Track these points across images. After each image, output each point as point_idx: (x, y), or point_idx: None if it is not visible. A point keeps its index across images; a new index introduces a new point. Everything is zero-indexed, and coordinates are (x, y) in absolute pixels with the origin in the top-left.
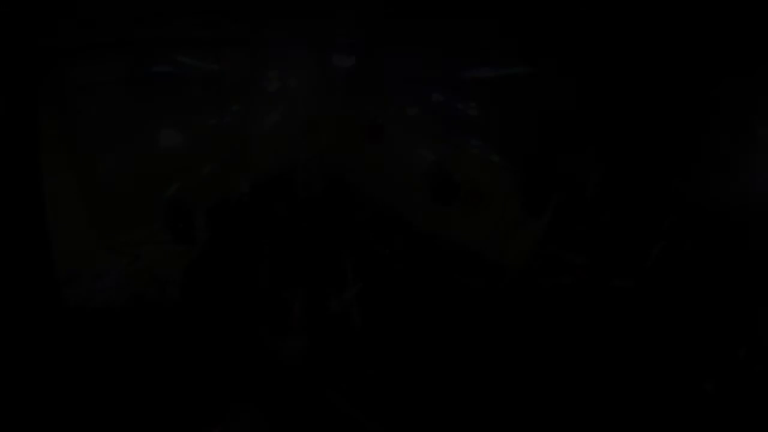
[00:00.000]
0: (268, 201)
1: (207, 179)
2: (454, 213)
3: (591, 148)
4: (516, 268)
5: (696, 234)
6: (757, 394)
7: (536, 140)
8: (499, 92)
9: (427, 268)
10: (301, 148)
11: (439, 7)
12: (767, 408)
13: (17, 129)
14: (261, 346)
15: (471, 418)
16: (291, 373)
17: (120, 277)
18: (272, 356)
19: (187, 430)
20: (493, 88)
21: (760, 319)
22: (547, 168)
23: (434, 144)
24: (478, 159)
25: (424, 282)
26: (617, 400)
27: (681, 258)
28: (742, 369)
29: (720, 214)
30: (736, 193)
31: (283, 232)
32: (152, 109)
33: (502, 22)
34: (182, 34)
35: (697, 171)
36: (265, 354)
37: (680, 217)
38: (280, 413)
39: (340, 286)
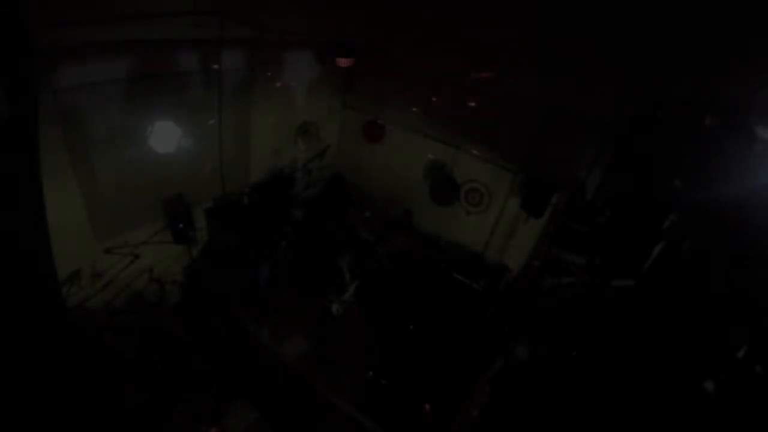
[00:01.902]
0: (268, 201)
1: (207, 179)
2: (454, 213)
3: (591, 149)
4: (516, 268)
5: (696, 234)
6: (757, 394)
7: (536, 141)
8: (499, 92)
9: (426, 268)
10: (301, 149)
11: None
12: (767, 408)
13: (17, 129)
14: (261, 346)
15: (471, 418)
16: (291, 373)
17: (122, 277)
18: (272, 356)
19: (187, 429)
20: (493, 88)
21: (760, 319)
22: (546, 168)
23: (434, 144)
24: (478, 159)
25: (423, 282)
26: (617, 400)
27: (681, 258)
28: (742, 369)
29: (720, 214)
30: (736, 192)
31: (284, 233)
32: (152, 109)
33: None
34: (182, 34)
35: (697, 171)
36: (265, 354)
37: (680, 217)
38: (280, 413)
39: (340, 288)
